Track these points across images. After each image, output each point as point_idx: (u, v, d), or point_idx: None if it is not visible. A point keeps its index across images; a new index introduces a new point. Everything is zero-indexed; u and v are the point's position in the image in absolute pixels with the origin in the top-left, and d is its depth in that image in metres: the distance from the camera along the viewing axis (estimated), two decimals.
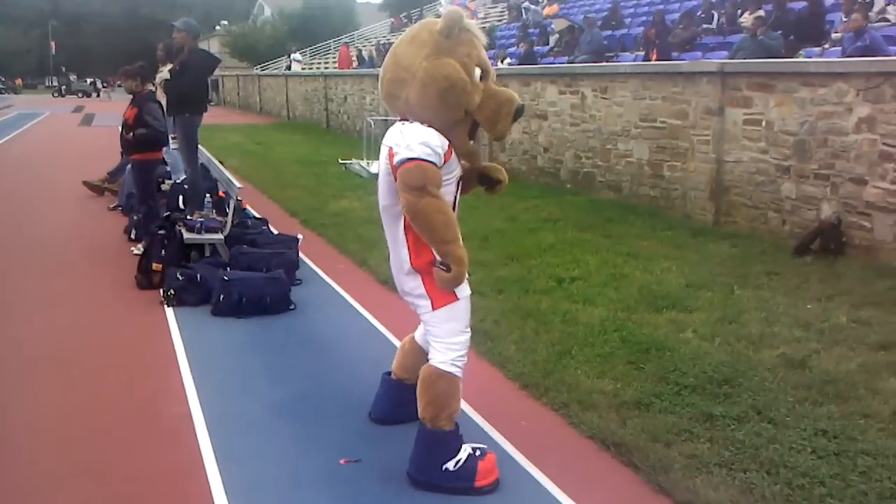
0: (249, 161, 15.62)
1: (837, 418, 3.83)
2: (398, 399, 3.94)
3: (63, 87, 61.58)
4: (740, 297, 5.89)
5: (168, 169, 9.51)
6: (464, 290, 3.41)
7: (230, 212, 6.95)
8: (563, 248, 7.60)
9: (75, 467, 3.60)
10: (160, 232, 6.43)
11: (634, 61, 13.12)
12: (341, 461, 3.60)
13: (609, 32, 16.10)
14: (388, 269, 3.64)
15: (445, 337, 3.41)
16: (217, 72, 47.56)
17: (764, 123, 7.95)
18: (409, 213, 3.18)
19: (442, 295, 3.36)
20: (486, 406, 4.21)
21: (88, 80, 63.64)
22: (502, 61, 17.27)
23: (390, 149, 3.25)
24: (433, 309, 3.38)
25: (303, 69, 32.39)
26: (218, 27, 63.73)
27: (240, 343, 5.28)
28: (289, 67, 33.34)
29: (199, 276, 5.92)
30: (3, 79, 67.20)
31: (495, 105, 3.40)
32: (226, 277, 5.76)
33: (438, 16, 3.64)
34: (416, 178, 3.13)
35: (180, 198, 8.04)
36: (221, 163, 10.61)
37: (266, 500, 3.32)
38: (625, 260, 7.10)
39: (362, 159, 13.88)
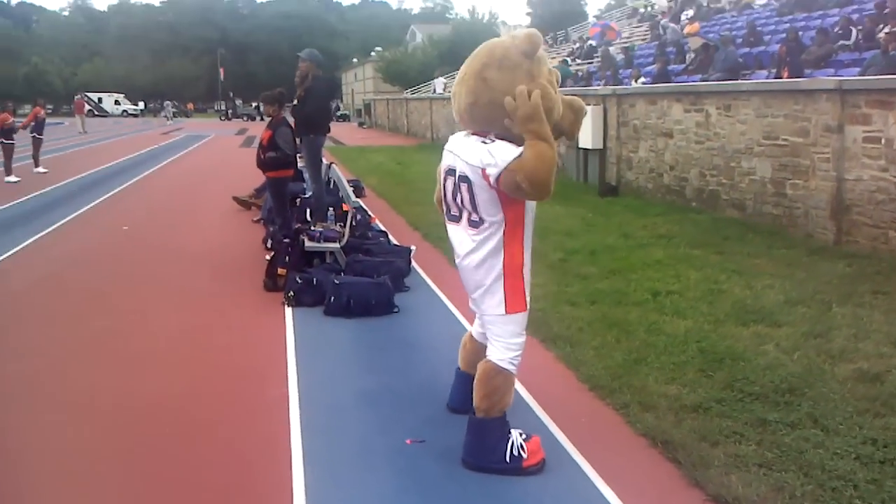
0: (386, 179, 16.48)
1: (893, 429, 3.85)
2: (470, 389, 4.30)
3: (229, 111, 66.29)
4: (835, 315, 5.84)
5: (304, 185, 10.36)
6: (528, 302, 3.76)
7: (348, 223, 7.57)
8: (668, 264, 7.70)
9: (185, 426, 4.23)
10: (285, 240, 7.15)
11: (766, 79, 12.90)
12: (407, 441, 4.02)
13: (746, 50, 15.84)
14: None
15: (506, 338, 3.74)
16: (369, 96, 49.73)
17: (883, 141, 7.74)
18: (531, 176, 3.37)
19: (515, 303, 3.69)
20: (551, 403, 4.50)
21: (253, 105, 68.20)
22: (636, 80, 17.34)
23: (484, 172, 3.49)
24: (506, 313, 3.70)
25: (445, 92, 33.45)
26: (373, 53, 66.58)
27: (343, 339, 5.84)
28: (436, 91, 34.58)
29: (315, 279, 6.56)
30: (177, 103, 73.09)
31: (573, 114, 3.79)
32: (336, 281, 6.35)
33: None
34: (517, 171, 3.38)
35: (307, 211, 8.79)
36: (358, 180, 11.43)
37: (338, 468, 3.78)
38: (728, 276, 7.13)
39: None
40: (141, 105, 74.03)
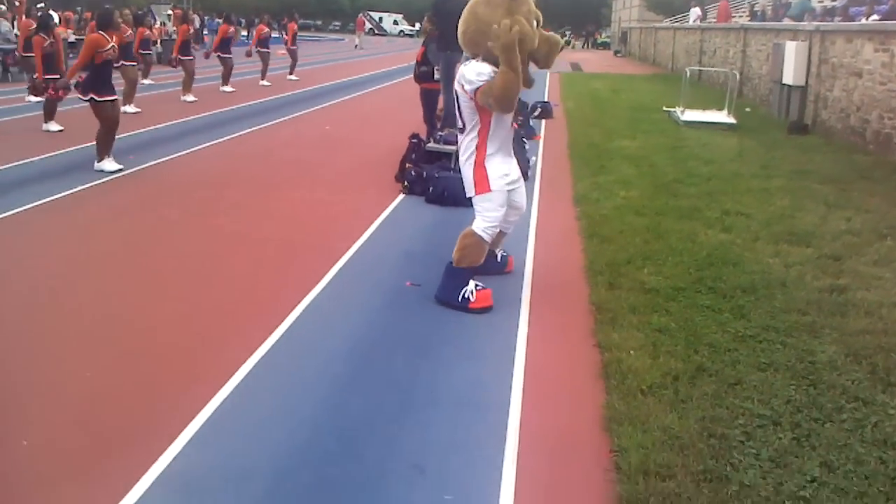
0: (585, 103, 17.18)
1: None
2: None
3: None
4: (878, 248, 6.05)
5: None
6: (496, 182, 4.75)
7: None
8: (771, 192, 8.00)
9: (288, 243, 5.79)
10: (413, 140, 8.47)
11: None
12: (407, 283, 5.25)
13: None
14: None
15: (483, 212, 4.85)
16: (624, 24, 48.77)
17: None
18: (499, 95, 4.39)
19: (481, 186, 4.76)
20: (544, 273, 5.48)
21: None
22: (868, 17, 16.22)
23: (462, 87, 4.59)
24: (475, 193, 4.81)
25: (697, 23, 32.33)
26: None
27: (423, 219, 7.10)
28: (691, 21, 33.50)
29: (424, 173, 7.81)
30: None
31: (548, 47, 4.73)
32: (436, 175, 7.57)
33: None
34: (486, 88, 4.45)
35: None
36: (548, 103, 12.63)
37: (351, 294, 5.11)
38: (815, 206, 7.37)
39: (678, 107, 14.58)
40: (417, 26, 78.14)
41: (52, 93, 9.45)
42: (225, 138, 11.23)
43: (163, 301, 4.92)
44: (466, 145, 4.79)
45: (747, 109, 15.80)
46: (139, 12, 17.61)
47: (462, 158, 4.86)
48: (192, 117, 13.26)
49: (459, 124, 4.80)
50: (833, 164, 9.90)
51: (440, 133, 8.71)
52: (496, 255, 5.47)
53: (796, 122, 13.43)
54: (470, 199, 4.91)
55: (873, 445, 3.21)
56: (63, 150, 9.72)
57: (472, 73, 4.54)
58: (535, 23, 4.59)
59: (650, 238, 6.27)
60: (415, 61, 9.67)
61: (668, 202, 7.54)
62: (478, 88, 4.51)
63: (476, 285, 4.86)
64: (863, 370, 3.89)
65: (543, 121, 14.08)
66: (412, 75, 9.60)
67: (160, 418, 3.43)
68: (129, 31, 12.48)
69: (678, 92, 15.33)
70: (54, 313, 4.69)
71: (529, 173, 8.94)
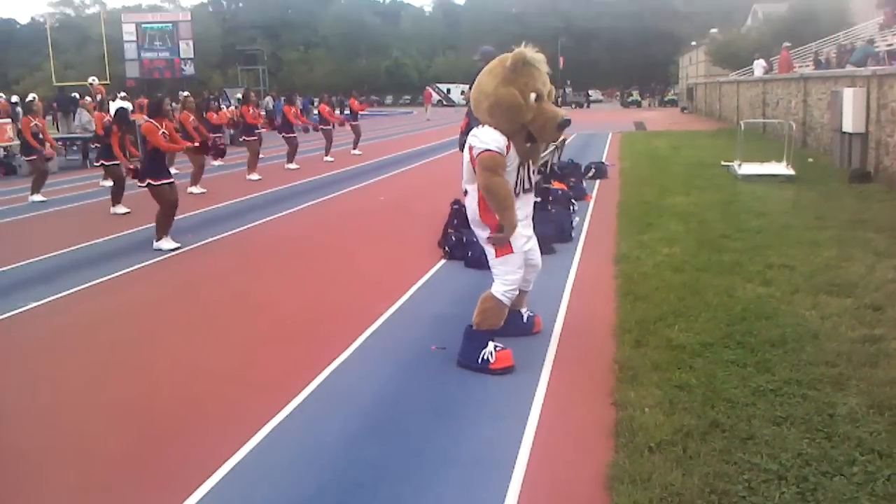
0: (643, 162, 17.15)
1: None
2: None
3: (559, 99, 68.68)
4: None
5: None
6: (517, 243, 4.87)
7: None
8: (821, 244, 7.79)
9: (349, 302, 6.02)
10: (454, 207, 8.66)
11: None
12: (432, 347, 5.36)
13: None
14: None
15: (502, 276, 4.95)
16: (691, 80, 48.42)
17: None
18: (484, 186, 4.71)
19: (499, 249, 4.89)
20: (572, 332, 5.51)
21: (591, 92, 70.21)
22: None
23: (471, 146, 4.80)
24: (496, 256, 4.92)
25: (763, 75, 32.07)
26: (705, 38, 64.54)
27: (458, 283, 7.21)
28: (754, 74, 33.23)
29: (464, 238, 7.97)
30: None
31: (542, 121, 4.82)
32: (474, 239, 7.67)
33: None
34: (489, 162, 4.67)
35: None
36: (602, 163, 13.12)
37: (386, 357, 5.26)
38: (864, 255, 7.18)
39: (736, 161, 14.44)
40: None
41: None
42: (280, 214, 11.68)
43: (206, 358, 5.18)
44: (474, 208, 4.90)
45: (810, 160, 15.52)
46: (209, 97, 18.60)
47: (473, 221, 4.98)
48: (254, 195, 13.84)
49: (463, 187, 4.94)
50: (891, 212, 9.64)
51: None
52: (522, 315, 5.54)
53: (857, 171, 13.13)
54: (490, 259, 5.00)
55: (883, 499, 3.12)
56: (127, 231, 10.36)
57: (489, 136, 4.67)
58: (533, 96, 4.67)
59: (686, 294, 6.23)
60: (459, 132, 9.94)
61: (711, 258, 7.47)
62: (483, 152, 4.64)
63: (496, 346, 4.93)
64: (884, 421, 3.79)
65: (598, 181, 14.17)
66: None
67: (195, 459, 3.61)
68: (192, 117, 13.23)
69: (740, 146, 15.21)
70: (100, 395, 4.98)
71: (574, 234, 9.03)
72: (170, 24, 60.23)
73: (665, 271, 7.05)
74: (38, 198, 13.53)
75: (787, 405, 4.02)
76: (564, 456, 3.76)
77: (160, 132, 8.65)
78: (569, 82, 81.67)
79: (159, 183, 8.66)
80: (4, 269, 8.43)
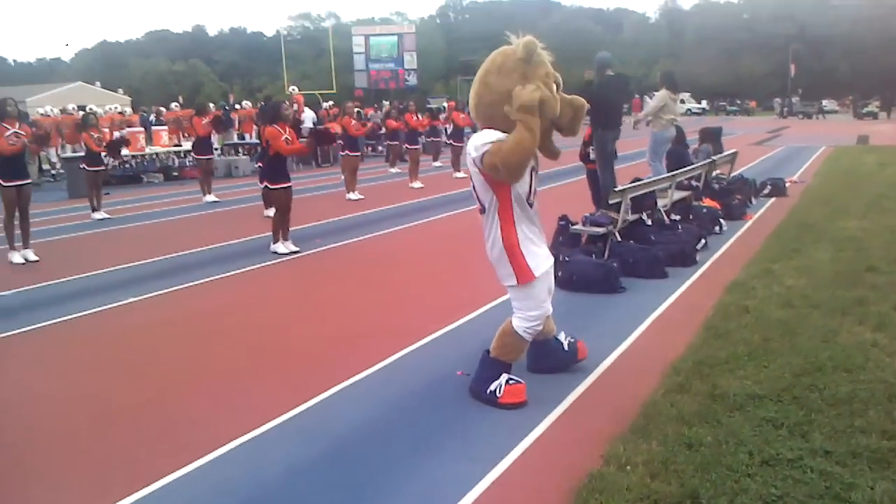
0: (835, 179, 15.40)
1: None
2: (536, 352, 4.97)
3: (784, 109, 64.02)
4: None
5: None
6: (540, 269, 4.41)
7: (621, 212, 8.18)
8: None
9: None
10: (561, 223, 8.20)
11: None
12: (458, 372, 5.03)
13: None
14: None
15: (524, 310, 4.49)
16: None
17: None
18: (503, 164, 4.05)
19: (521, 275, 4.36)
20: (622, 366, 4.97)
21: (825, 102, 64.57)
22: None
23: (472, 158, 4.26)
24: (517, 284, 4.41)
25: None
26: None
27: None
28: None
29: (561, 256, 7.49)
30: (739, 101, 73.18)
31: (572, 112, 4.37)
32: (566, 259, 7.22)
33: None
34: (494, 149, 4.09)
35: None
36: (781, 179, 12.21)
37: (407, 373, 5.11)
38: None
39: None
40: (704, 104, 76.12)
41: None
42: (404, 226, 11.63)
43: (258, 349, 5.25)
44: (489, 229, 4.42)
45: None
46: (400, 105, 19.10)
47: (488, 244, 4.48)
48: (408, 202, 14.03)
49: (478, 206, 4.52)
50: None
51: (587, 214, 8.34)
52: (562, 344, 5.00)
53: None
54: (510, 288, 4.52)
55: None
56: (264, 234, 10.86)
57: (479, 140, 4.20)
58: (554, 87, 4.19)
59: (775, 335, 5.42)
60: (582, 141, 9.40)
61: (836, 293, 6.46)
62: (485, 153, 4.14)
63: (509, 379, 4.52)
64: None
65: (772, 199, 12.93)
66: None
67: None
68: (353, 122, 13.64)
69: None
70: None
71: (698, 257, 8.23)
72: (395, 37, 63.06)
73: (770, 306, 6.21)
74: (210, 198, 14.60)
75: (790, 481, 3.31)
76: None
77: (283, 137, 8.92)
78: (799, 91, 76.08)
79: (276, 187, 8.96)
80: (147, 261, 9.26)
